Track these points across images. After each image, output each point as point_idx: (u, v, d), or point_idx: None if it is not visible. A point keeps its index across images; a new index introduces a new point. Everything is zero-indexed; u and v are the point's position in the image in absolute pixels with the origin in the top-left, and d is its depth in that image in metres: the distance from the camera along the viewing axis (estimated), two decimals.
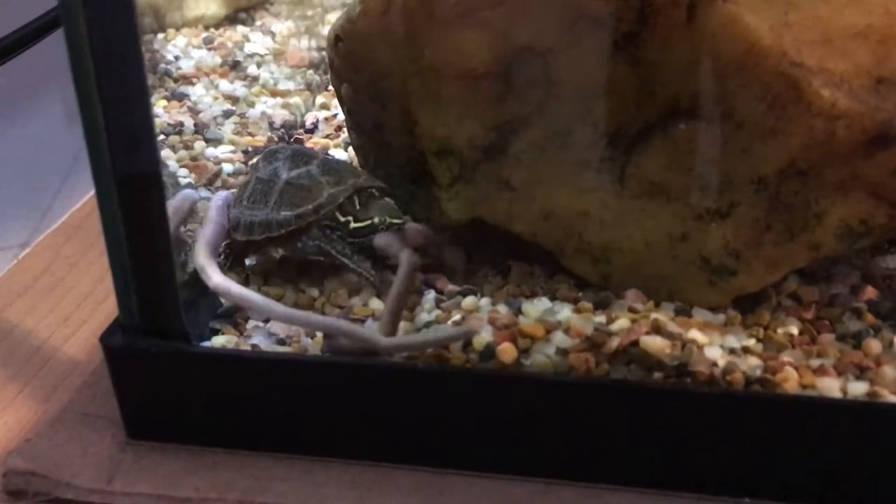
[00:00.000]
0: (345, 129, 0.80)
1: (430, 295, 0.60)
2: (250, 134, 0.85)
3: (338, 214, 0.62)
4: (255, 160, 0.74)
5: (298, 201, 0.62)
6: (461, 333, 0.54)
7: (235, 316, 0.61)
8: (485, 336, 0.55)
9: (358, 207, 0.63)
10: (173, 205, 0.64)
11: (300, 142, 0.84)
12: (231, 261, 0.65)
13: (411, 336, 0.56)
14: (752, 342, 0.55)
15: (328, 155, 0.79)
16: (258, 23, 1.07)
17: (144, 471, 0.56)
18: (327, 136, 0.85)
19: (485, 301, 0.59)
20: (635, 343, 0.53)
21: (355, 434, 0.56)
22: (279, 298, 0.61)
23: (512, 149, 0.60)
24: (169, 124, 0.85)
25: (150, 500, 0.54)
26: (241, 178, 0.78)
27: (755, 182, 0.55)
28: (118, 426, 0.59)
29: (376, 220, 0.62)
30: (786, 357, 0.54)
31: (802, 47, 0.53)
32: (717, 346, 0.54)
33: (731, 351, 0.54)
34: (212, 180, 0.78)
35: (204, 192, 0.76)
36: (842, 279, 0.61)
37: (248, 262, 0.66)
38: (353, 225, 0.62)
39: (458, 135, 0.60)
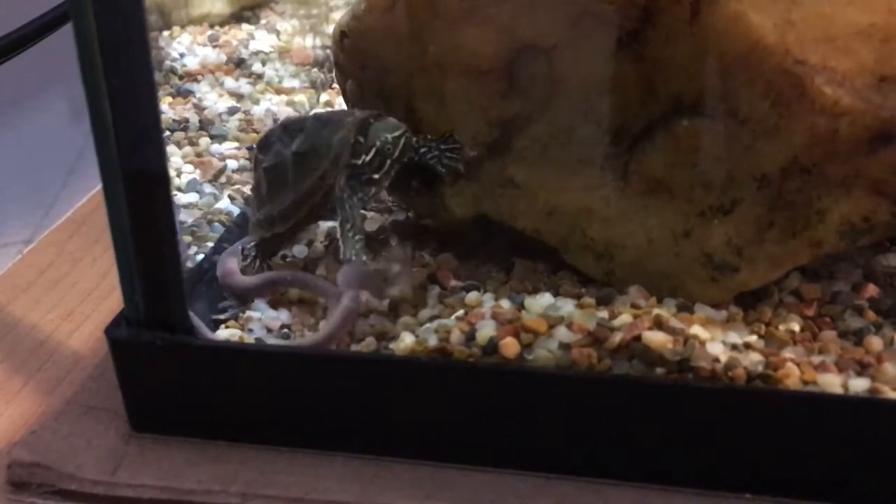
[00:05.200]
0: None
1: (434, 290, 0.61)
2: (255, 131, 0.85)
3: (355, 159, 0.60)
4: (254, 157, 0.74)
5: (315, 165, 0.60)
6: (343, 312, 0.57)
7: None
8: (488, 330, 0.55)
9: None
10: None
11: None
12: (260, 262, 0.64)
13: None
14: (753, 338, 0.55)
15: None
16: (263, 21, 1.07)
17: (148, 463, 0.56)
18: None
19: (488, 296, 0.59)
20: (638, 338, 0.53)
21: (358, 428, 0.56)
22: None
23: (515, 146, 0.60)
24: (174, 120, 0.86)
25: (153, 491, 0.54)
26: (246, 175, 0.78)
27: (758, 179, 0.55)
28: (122, 419, 0.59)
29: (378, 143, 0.59)
30: (787, 353, 0.54)
31: (806, 45, 0.53)
32: (719, 342, 0.54)
33: (733, 347, 0.54)
34: (216, 176, 0.78)
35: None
36: (843, 276, 0.61)
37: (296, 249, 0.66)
38: (365, 159, 0.60)
39: (461, 131, 0.60)
